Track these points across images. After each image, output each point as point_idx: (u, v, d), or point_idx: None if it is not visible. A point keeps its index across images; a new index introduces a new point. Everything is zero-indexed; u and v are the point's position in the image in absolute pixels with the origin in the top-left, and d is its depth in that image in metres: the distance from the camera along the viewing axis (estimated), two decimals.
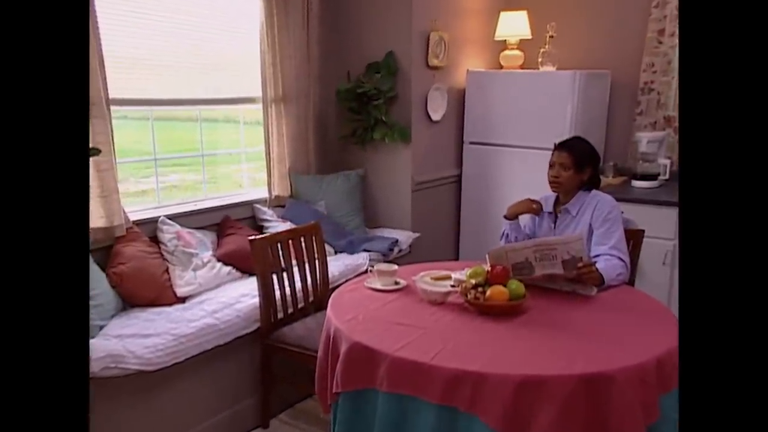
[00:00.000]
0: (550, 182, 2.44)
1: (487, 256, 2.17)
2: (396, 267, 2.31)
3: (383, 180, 3.76)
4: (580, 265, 2.08)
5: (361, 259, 3.29)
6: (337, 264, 3.18)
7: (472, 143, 3.97)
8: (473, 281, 2.03)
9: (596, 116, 3.87)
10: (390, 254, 3.43)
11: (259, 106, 3.36)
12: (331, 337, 1.92)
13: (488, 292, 1.97)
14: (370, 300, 2.13)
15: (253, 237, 2.56)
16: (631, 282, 2.54)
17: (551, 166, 2.42)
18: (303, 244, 2.79)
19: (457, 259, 4.13)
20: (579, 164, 2.38)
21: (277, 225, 3.32)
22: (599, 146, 3.98)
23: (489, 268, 2.06)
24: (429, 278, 2.32)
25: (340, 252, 3.41)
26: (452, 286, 2.14)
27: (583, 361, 1.63)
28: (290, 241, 2.73)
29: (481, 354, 1.68)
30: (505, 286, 2.00)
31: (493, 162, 3.90)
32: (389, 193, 3.75)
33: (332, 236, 3.44)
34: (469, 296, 1.99)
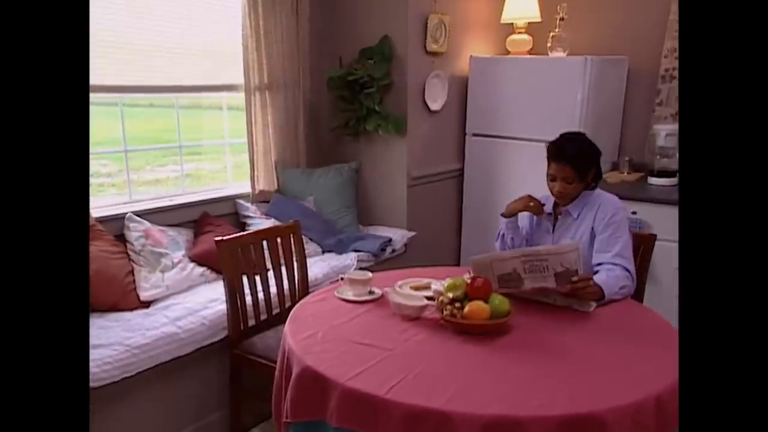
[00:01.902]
0: (554, 195, 2.17)
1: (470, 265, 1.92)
2: (370, 275, 2.07)
3: (378, 174, 3.51)
4: (574, 279, 1.81)
5: (349, 260, 3.06)
6: (322, 265, 2.95)
7: (475, 135, 3.69)
8: (450, 295, 1.78)
9: (610, 106, 3.55)
10: (381, 255, 3.19)
11: (243, 94, 3.13)
12: (286, 357, 1.70)
13: (466, 308, 1.71)
14: (337, 313, 1.90)
15: (220, 238, 2.34)
16: (640, 291, 2.27)
17: (552, 178, 2.14)
18: (280, 245, 2.56)
19: (458, 261, 3.87)
20: (583, 173, 2.12)
21: (260, 222, 3.10)
22: (614, 139, 3.68)
23: (469, 280, 1.80)
24: (409, 288, 2.09)
25: (328, 252, 3.18)
26: (429, 298, 1.90)
27: (567, 398, 1.37)
28: (265, 242, 2.50)
29: (449, 385, 1.43)
30: (486, 301, 1.74)
31: (498, 155, 3.62)
32: (384, 189, 3.51)
33: (320, 234, 3.21)
34: (444, 312, 1.74)
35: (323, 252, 3.18)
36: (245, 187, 3.26)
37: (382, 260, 3.21)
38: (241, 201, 3.18)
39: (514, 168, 3.57)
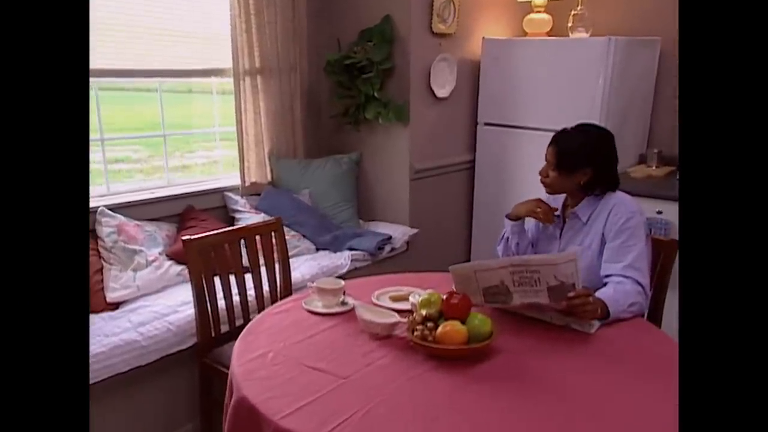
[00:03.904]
0: (540, 181, 1.92)
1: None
2: (342, 283, 1.83)
3: (379, 166, 3.26)
4: (571, 294, 1.54)
5: (342, 259, 2.83)
6: (311, 265, 2.73)
7: (487, 124, 3.40)
8: (424, 312, 1.53)
9: (638, 93, 3.21)
10: (379, 254, 2.95)
11: (232, 79, 2.91)
12: (229, 381, 1.48)
13: (439, 330, 1.46)
14: (298, 327, 1.67)
15: (188, 237, 2.13)
16: (658, 310, 1.97)
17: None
18: (259, 244, 2.34)
19: (468, 260, 3.59)
20: (565, 165, 1.85)
21: (249, 217, 2.90)
22: (642, 129, 3.33)
23: (446, 295, 1.55)
24: (388, 298, 1.85)
25: (323, 249, 2.96)
26: (404, 312, 1.65)
27: None
28: (243, 241, 2.29)
29: (403, 428, 1.19)
30: (464, 321, 1.49)
31: (513, 146, 3.32)
32: (386, 182, 3.25)
33: (315, 231, 2.99)
34: (414, 333, 1.49)
35: (317, 250, 2.96)
36: (237, 179, 3.05)
37: (381, 259, 2.97)
38: (230, 194, 2.97)
39: (530, 160, 3.26)
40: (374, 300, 1.82)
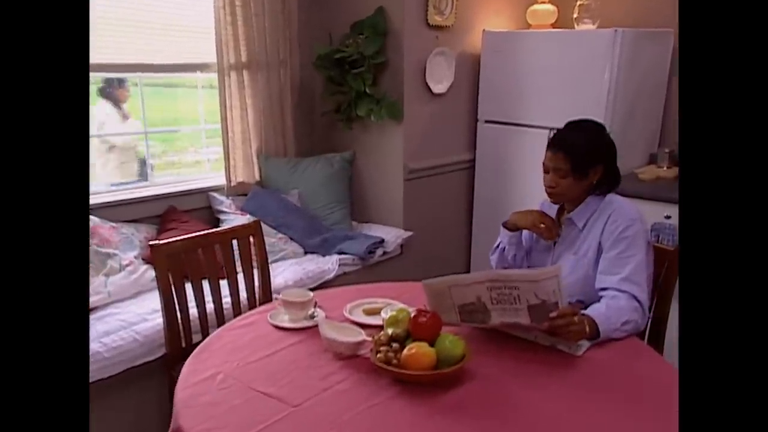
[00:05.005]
0: (547, 192, 1.75)
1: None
2: (311, 295, 1.69)
3: (373, 165, 3.11)
4: (553, 314, 1.38)
5: (330, 263, 2.69)
6: (296, 270, 2.60)
7: (488, 122, 3.23)
8: (390, 331, 1.38)
9: (649, 88, 3.02)
10: (369, 258, 2.80)
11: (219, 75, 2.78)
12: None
13: (404, 352, 1.31)
14: (259, 344, 1.53)
15: (155, 242, 2.00)
16: (660, 330, 1.80)
17: (545, 170, 1.74)
18: (237, 249, 2.21)
19: (468, 266, 3.43)
20: (580, 167, 1.68)
21: (234, 218, 2.77)
22: (652, 127, 3.14)
23: (414, 313, 1.40)
24: (362, 311, 1.70)
25: (312, 253, 2.82)
26: (375, 328, 1.51)
27: None
28: (217, 246, 2.16)
29: None
30: (432, 343, 1.34)
31: (515, 145, 3.15)
32: (380, 182, 3.11)
33: (303, 233, 2.85)
34: (378, 355, 1.34)
35: (305, 253, 2.82)
36: (223, 179, 2.92)
37: (372, 264, 2.83)
38: (214, 194, 2.85)
39: (532, 160, 3.06)
40: (346, 313, 1.67)
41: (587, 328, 1.44)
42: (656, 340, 1.80)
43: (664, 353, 1.80)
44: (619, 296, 1.58)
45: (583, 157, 1.67)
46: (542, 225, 1.78)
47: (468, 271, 3.44)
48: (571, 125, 1.78)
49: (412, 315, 1.38)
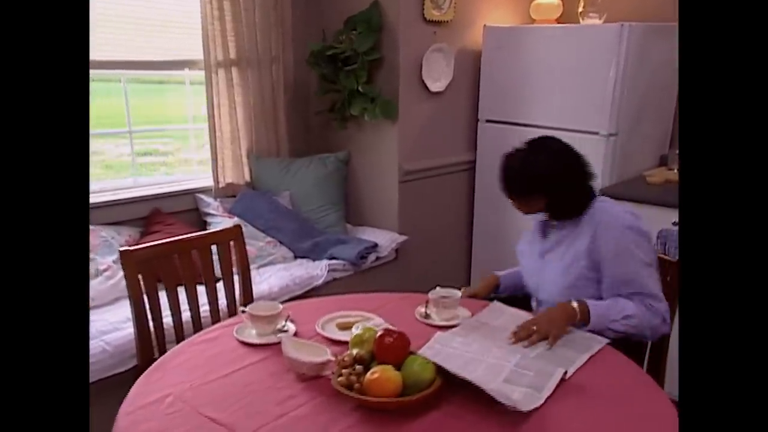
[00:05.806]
0: None
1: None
2: (280, 307, 1.57)
3: (369, 167, 3.00)
4: (511, 342, 1.29)
5: (319, 269, 2.57)
6: (283, 276, 2.49)
7: (489, 122, 3.09)
8: (354, 352, 1.26)
9: (658, 86, 2.85)
10: (361, 263, 2.68)
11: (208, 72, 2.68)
12: None
13: (367, 376, 1.19)
14: (218, 361, 1.42)
15: (125, 248, 1.90)
16: (661, 349, 1.67)
17: None
18: (216, 255, 2.10)
19: (468, 270, 3.30)
20: (518, 193, 1.64)
21: (221, 221, 2.67)
22: (663, 127, 2.98)
23: (381, 332, 1.28)
24: (335, 325, 1.59)
25: (302, 257, 2.71)
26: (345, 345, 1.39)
27: None
28: (194, 252, 2.05)
29: None
30: (399, 367, 1.21)
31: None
32: (375, 184, 2.99)
33: (293, 237, 2.74)
34: (339, 378, 1.22)
35: (296, 257, 2.72)
36: (211, 179, 2.82)
37: (364, 269, 2.71)
38: (202, 196, 2.75)
39: None
40: (318, 328, 1.56)
41: (572, 313, 1.46)
42: (657, 355, 1.67)
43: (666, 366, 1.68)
44: (628, 299, 1.51)
45: (526, 192, 1.61)
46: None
47: (468, 279, 3.31)
48: (506, 160, 1.67)
49: (378, 335, 1.26)
